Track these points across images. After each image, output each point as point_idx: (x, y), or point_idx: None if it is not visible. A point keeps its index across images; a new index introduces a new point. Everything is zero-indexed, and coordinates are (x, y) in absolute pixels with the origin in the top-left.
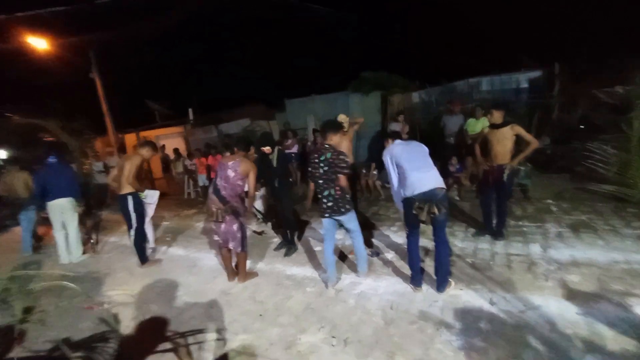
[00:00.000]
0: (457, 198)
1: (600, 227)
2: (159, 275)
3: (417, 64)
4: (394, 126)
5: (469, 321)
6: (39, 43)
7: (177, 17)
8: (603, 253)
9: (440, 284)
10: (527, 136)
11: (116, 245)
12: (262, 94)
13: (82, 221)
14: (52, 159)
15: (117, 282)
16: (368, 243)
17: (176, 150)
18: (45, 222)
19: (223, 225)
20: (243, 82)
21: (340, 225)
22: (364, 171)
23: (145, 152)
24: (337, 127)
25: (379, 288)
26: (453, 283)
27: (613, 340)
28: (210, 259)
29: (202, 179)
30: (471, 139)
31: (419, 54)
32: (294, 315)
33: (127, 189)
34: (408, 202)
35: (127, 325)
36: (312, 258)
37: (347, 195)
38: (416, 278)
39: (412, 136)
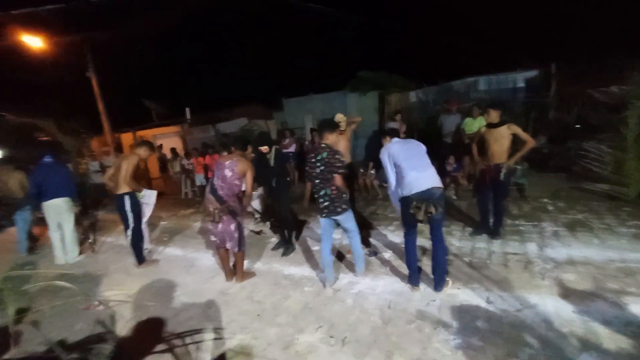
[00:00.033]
0: (455, 197)
1: (596, 225)
2: (156, 275)
3: (414, 64)
4: (392, 125)
5: (467, 320)
6: (34, 41)
7: (174, 16)
8: (599, 252)
9: (438, 283)
10: (524, 135)
11: (113, 245)
12: (259, 94)
13: (78, 221)
14: (47, 159)
15: (113, 282)
16: (366, 242)
17: (173, 150)
18: (41, 222)
19: (220, 225)
20: (240, 82)
21: (338, 224)
22: (362, 170)
23: (143, 151)
24: (333, 126)
25: (376, 287)
26: (450, 282)
27: (608, 338)
28: (207, 259)
29: (199, 179)
30: (468, 138)
31: (416, 54)
32: (291, 315)
33: (124, 188)
34: (405, 201)
35: (124, 326)
36: (310, 258)
37: (344, 195)
38: (414, 277)
39: (410, 135)
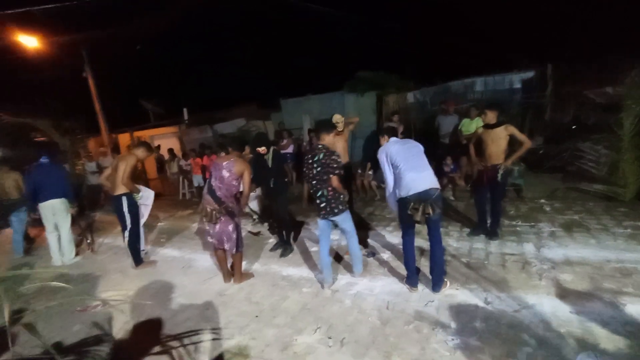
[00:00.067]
0: (452, 198)
1: (593, 226)
2: (153, 276)
3: (412, 64)
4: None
5: (465, 320)
6: (30, 41)
7: (172, 16)
8: (595, 252)
9: (436, 284)
10: (521, 136)
11: (110, 246)
12: (257, 94)
13: (75, 222)
14: (44, 159)
15: (111, 283)
16: (364, 243)
17: (171, 151)
18: (37, 223)
19: (218, 226)
20: (238, 82)
21: (336, 225)
22: (360, 171)
23: (140, 152)
24: (329, 127)
25: (375, 288)
26: (448, 283)
27: (606, 338)
28: (205, 260)
29: (197, 180)
30: (465, 139)
31: (414, 54)
32: (290, 316)
33: (121, 189)
34: (403, 202)
35: (121, 328)
36: (308, 259)
37: (342, 196)
38: (412, 278)
39: (407, 136)
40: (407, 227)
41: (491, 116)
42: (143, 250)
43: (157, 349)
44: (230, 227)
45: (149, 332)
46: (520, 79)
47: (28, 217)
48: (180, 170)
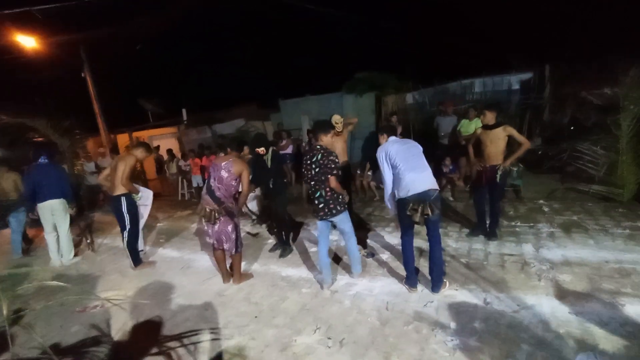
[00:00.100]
0: (451, 198)
1: (591, 227)
2: (152, 277)
3: (411, 64)
4: None
5: (464, 321)
6: (28, 41)
7: (171, 16)
8: (594, 252)
9: (435, 284)
10: (519, 137)
11: (109, 247)
12: (256, 93)
13: (74, 223)
14: (42, 160)
15: (109, 284)
16: (363, 244)
17: (170, 151)
18: (36, 224)
19: (217, 226)
20: (237, 82)
21: (334, 226)
22: (359, 172)
23: (139, 153)
24: (327, 127)
25: (374, 289)
26: (448, 283)
27: (605, 338)
28: (204, 261)
29: (196, 180)
30: (464, 139)
31: (413, 54)
32: (289, 317)
33: (120, 190)
34: (402, 203)
35: (120, 328)
36: (307, 259)
37: (340, 197)
38: (411, 278)
39: (406, 137)
40: (406, 228)
41: (490, 117)
42: (142, 250)
43: (156, 349)
44: (230, 228)
45: (148, 332)
46: (519, 80)
47: (27, 217)
48: (179, 171)
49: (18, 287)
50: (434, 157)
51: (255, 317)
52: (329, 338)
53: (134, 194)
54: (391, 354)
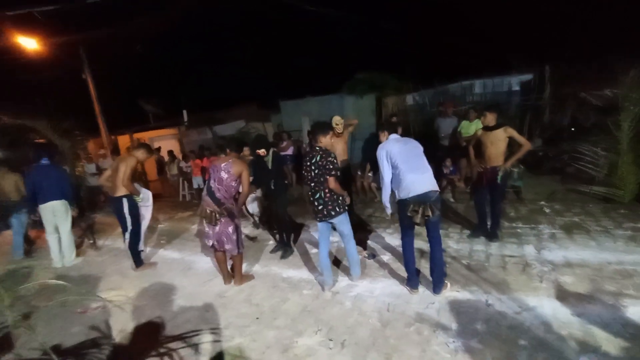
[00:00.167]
0: (452, 200)
1: (592, 228)
2: (153, 278)
3: (412, 64)
4: None
5: (465, 322)
6: (28, 43)
7: (171, 16)
8: (595, 254)
9: (436, 286)
10: (520, 138)
11: (110, 248)
12: (257, 94)
13: (75, 224)
14: (44, 161)
15: (110, 285)
16: (364, 245)
17: (170, 152)
18: (37, 225)
19: (217, 227)
20: (238, 82)
21: (334, 227)
22: (359, 173)
23: (140, 154)
24: (325, 129)
25: (375, 290)
26: (449, 285)
27: (607, 340)
28: (205, 262)
29: (197, 181)
30: (465, 141)
31: (414, 54)
32: (290, 318)
33: (121, 191)
34: (403, 204)
35: (121, 330)
36: (308, 260)
37: (340, 198)
38: (412, 280)
39: None
40: (406, 229)
41: (490, 118)
42: (141, 250)
43: (157, 351)
44: (230, 229)
45: (148, 333)
46: (519, 81)
47: (28, 218)
48: (180, 172)
49: (19, 288)
50: (434, 159)
51: (257, 318)
52: (330, 339)
53: (135, 196)
54: (392, 356)
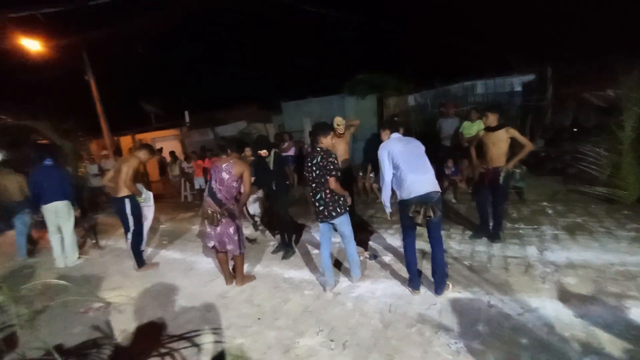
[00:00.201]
0: (454, 200)
1: (595, 229)
2: (155, 278)
3: (413, 64)
4: None
5: (467, 323)
6: (32, 45)
7: (172, 16)
8: (598, 255)
9: (438, 287)
10: (522, 139)
11: (112, 248)
12: (257, 94)
13: (78, 224)
14: (47, 162)
15: (112, 285)
16: (365, 246)
17: (172, 153)
18: (40, 225)
19: (219, 228)
20: (238, 82)
21: (335, 228)
22: (361, 174)
23: (143, 154)
24: (326, 129)
25: (376, 291)
26: (451, 285)
27: (609, 342)
28: (207, 262)
29: (198, 182)
30: (467, 141)
31: (415, 54)
32: (291, 319)
33: (124, 191)
34: (404, 204)
35: (123, 330)
36: (310, 261)
37: (341, 199)
38: (414, 281)
39: None
40: (407, 230)
41: (492, 119)
42: (142, 250)
43: (158, 351)
44: (232, 229)
45: (150, 334)
46: (521, 82)
47: (31, 219)
48: (182, 173)
49: (22, 288)
50: (436, 159)
51: (258, 319)
52: (332, 340)
53: (137, 196)
54: (394, 357)
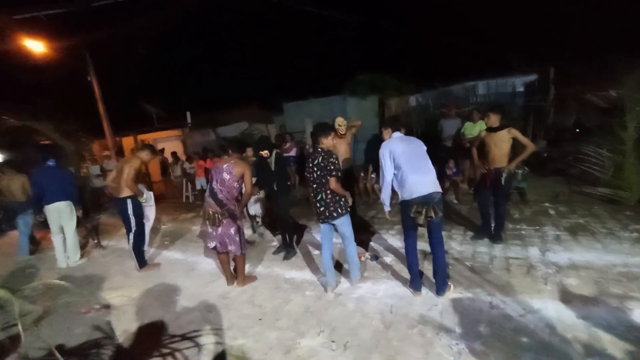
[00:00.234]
0: (455, 201)
1: (598, 230)
2: (156, 279)
3: (414, 65)
4: None
5: (469, 325)
6: (35, 46)
7: (172, 18)
8: (601, 256)
9: (440, 287)
10: (524, 139)
11: (114, 248)
12: (258, 94)
13: (80, 224)
14: (50, 162)
15: (114, 286)
16: (366, 246)
17: (174, 154)
18: (43, 225)
19: (220, 229)
20: (239, 82)
21: (336, 229)
22: (362, 174)
23: (145, 155)
24: (327, 130)
25: (378, 292)
26: (452, 286)
27: (612, 343)
28: (208, 263)
29: (200, 182)
30: (468, 142)
31: (416, 54)
32: (293, 319)
33: (126, 192)
34: (406, 205)
35: (124, 330)
36: (311, 262)
37: (342, 200)
38: (415, 282)
39: None
40: (409, 230)
41: (494, 119)
42: (144, 251)
43: (159, 351)
44: (233, 230)
45: (152, 334)
46: (523, 82)
47: (34, 219)
48: (183, 173)
49: (24, 288)
50: (437, 160)
51: (259, 319)
52: (333, 341)
53: (139, 196)
54: (395, 358)
